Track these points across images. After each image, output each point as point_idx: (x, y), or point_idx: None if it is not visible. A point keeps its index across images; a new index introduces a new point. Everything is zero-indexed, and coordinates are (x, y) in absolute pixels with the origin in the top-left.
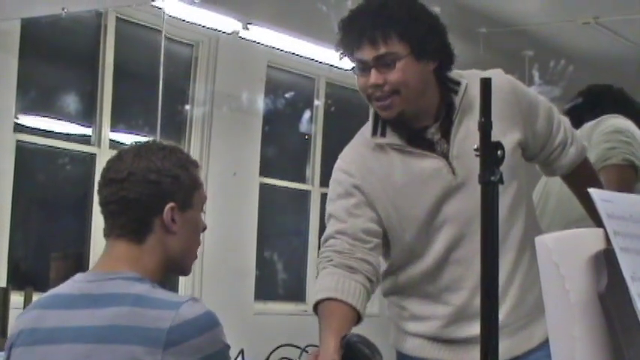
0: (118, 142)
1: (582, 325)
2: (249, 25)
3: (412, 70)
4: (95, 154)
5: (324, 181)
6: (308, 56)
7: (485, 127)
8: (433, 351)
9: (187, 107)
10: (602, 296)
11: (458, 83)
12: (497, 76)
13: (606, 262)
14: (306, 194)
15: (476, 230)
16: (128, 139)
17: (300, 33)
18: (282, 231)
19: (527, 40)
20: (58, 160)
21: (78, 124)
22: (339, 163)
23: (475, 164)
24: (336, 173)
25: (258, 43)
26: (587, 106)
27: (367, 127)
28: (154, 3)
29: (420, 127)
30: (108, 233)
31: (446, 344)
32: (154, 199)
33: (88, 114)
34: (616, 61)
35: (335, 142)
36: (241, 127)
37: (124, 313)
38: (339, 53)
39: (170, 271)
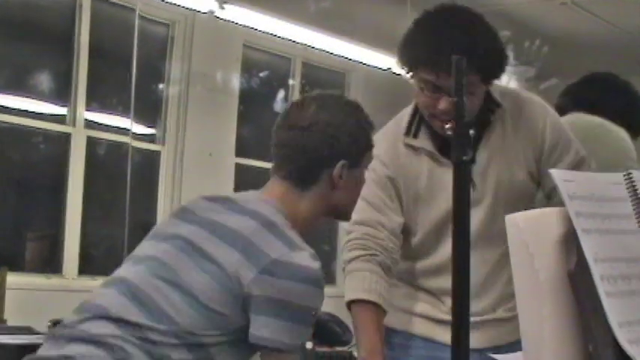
0: (92, 121)
1: (551, 304)
2: (225, 5)
3: (479, 94)
4: (70, 134)
5: None
6: (284, 36)
7: (458, 107)
8: (422, 328)
9: (163, 86)
10: (572, 275)
11: (498, 105)
12: (537, 110)
13: (575, 241)
14: None
15: (480, 244)
16: (103, 118)
17: (276, 13)
18: None
19: (503, 20)
20: (32, 139)
21: (52, 103)
22: (376, 148)
23: (493, 184)
24: None
25: (235, 22)
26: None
27: (403, 121)
28: None
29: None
30: (274, 171)
31: (434, 322)
32: (329, 154)
33: (62, 93)
34: (592, 41)
35: None
36: (217, 106)
37: (251, 226)
38: (401, 65)
39: (329, 216)
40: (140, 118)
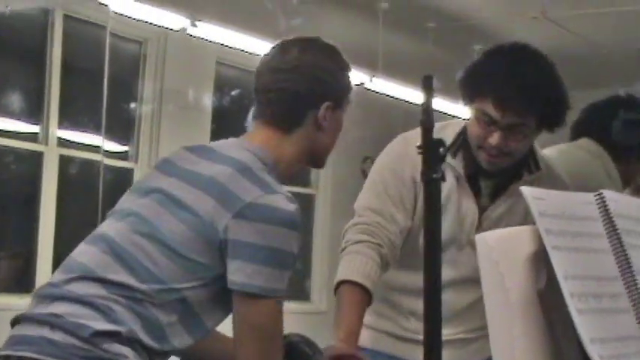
0: (65, 139)
1: (522, 324)
2: (197, 22)
3: (531, 139)
4: (42, 153)
5: None
6: (257, 52)
7: (426, 125)
8: (387, 345)
9: (136, 104)
10: (542, 294)
11: (538, 167)
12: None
13: (545, 260)
14: None
15: (465, 285)
16: (76, 136)
17: (248, 29)
18: None
19: (476, 34)
20: (5, 158)
21: (25, 121)
22: (409, 147)
23: None
24: (401, 148)
25: (207, 40)
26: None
27: (446, 134)
28: (100, 0)
29: (482, 170)
30: (256, 116)
31: (399, 339)
32: (314, 95)
33: (35, 112)
34: (563, 54)
35: None
36: (190, 124)
37: (226, 172)
38: (464, 92)
39: (307, 163)
40: (113, 135)
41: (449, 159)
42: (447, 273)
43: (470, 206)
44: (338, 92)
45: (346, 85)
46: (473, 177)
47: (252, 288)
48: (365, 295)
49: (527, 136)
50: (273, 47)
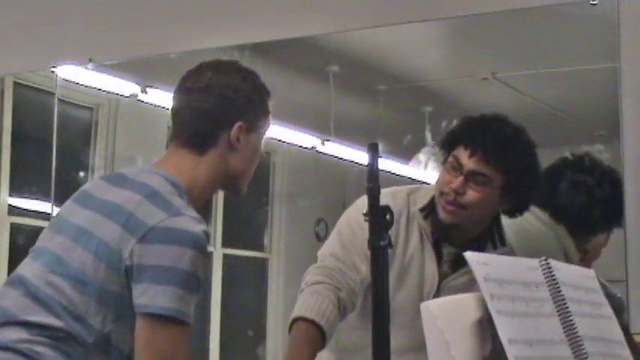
0: (16, 207)
1: None
2: (147, 88)
3: (491, 200)
4: None
5: (226, 241)
6: None
7: (373, 192)
8: None
9: (87, 171)
10: None
11: (503, 243)
12: None
13: (490, 326)
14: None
15: (423, 354)
16: (27, 204)
17: None
18: None
19: (426, 96)
20: None
21: None
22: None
23: None
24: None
25: (158, 105)
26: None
27: (421, 194)
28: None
29: (447, 236)
30: (171, 140)
31: None
32: (226, 115)
33: None
34: (513, 114)
35: (235, 201)
36: None
37: (134, 199)
38: (443, 143)
39: (224, 188)
40: (62, 204)
41: (421, 220)
42: (405, 337)
43: (431, 271)
44: (251, 113)
45: (261, 107)
46: (438, 242)
47: (154, 309)
48: (317, 333)
49: (487, 191)
50: (190, 69)
